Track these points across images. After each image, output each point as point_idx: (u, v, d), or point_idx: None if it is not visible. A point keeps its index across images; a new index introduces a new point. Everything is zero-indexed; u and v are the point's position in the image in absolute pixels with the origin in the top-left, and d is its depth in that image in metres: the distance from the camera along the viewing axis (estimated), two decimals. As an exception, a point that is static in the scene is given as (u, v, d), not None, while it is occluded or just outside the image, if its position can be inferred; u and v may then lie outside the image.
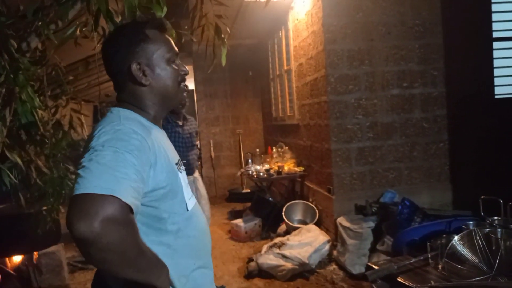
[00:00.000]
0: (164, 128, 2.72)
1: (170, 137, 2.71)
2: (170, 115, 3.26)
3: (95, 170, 0.85)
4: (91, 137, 0.97)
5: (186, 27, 2.17)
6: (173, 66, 1.12)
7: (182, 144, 3.28)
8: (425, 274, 1.67)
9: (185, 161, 2.91)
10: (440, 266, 1.67)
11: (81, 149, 0.99)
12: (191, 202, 1.12)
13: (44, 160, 2.16)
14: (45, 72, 2.22)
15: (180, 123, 3.31)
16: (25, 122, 1.88)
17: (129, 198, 0.85)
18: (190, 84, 8.20)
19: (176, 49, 1.15)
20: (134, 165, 0.89)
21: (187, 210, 1.07)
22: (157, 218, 1.01)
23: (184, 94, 1.21)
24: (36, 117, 1.93)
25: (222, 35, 2.26)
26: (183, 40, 2.10)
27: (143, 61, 1.08)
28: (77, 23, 1.88)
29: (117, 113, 1.04)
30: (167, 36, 1.15)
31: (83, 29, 1.87)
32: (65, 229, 0.85)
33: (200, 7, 2.19)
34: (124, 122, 0.99)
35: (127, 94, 1.11)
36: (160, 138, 1.08)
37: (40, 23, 1.90)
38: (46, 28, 1.92)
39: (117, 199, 0.82)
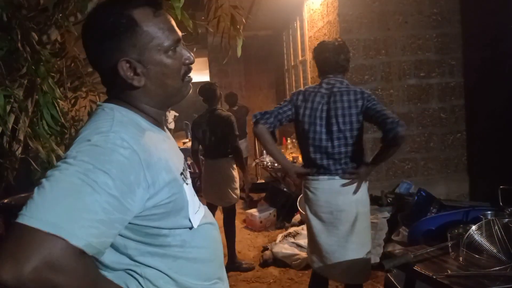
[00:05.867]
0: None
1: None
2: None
3: (50, 194, 0.68)
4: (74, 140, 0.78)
5: (203, 17, 2.18)
6: (175, 56, 0.86)
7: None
8: (442, 263, 1.66)
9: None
10: (457, 256, 1.66)
11: None
12: (198, 215, 0.93)
13: (64, 150, 2.22)
14: (64, 64, 2.27)
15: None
16: (46, 113, 1.93)
17: (83, 238, 0.67)
18: (205, 76, 8.23)
19: (178, 31, 0.88)
20: (108, 189, 0.70)
21: (191, 227, 0.89)
22: (156, 235, 0.84)
23: (190, 84, 0.93)
24: (57, 108, 1.98)
25: (238, 26, 2.27)
26: (199, 31, 2.11)
27: (133, 57, 0.82)
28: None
29: (111, 113, 0.83)
30: (164, 13, 0.86)
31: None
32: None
33: (216, -2, 2.21)
34: (116, 128, 0.78)
35: (119, 91, 0.87)
36: (162, 143, 0.88)
37: (60, 15, 1.94)
38: (66, 20, 1.96)
39: (63, 242, 0.65)
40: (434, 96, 3.72)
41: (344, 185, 2.05)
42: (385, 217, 3.29)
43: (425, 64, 3.68)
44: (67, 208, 0.67)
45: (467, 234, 1.61)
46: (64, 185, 0.69)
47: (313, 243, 2.17)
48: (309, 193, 2.14)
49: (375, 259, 3.21)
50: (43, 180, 0.70)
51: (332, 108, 2.04)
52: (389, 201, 3.41)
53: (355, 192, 2.06)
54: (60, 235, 0.65)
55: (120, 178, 0.72)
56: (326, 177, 2.08)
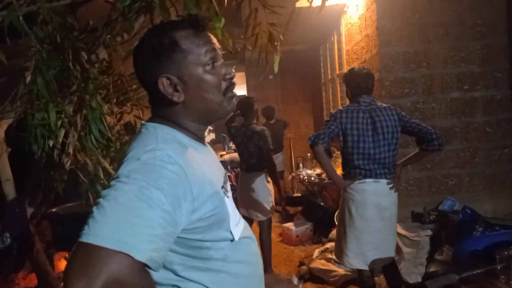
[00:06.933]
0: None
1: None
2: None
3: (111, 212, 0.71)
4: (122, 159, 0.83)
5: (242, 36, 2.23)
6: (214, 71, 0.90)
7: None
8: (489, 286, 1.58)
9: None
10: (508, 280, 1.58)
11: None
12: (239, 228, 0.95)
13: (109, 163, 2.31)
14: (111, 81, 2.38)
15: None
16: (94, 128, 2.03)
17: (146, 253, 0.70)
18: (243, 90, 8.35)
19: (218, 47, 0.93)
20: (162, 205, 0.73)
21: (233, 240, 0.91)
22: (199, 248, 0.86)
23: (234, 101, 0.96)
24: (104, 123, 2.08)
25: (275, 43, 2.30)
26: (239, 49, 2.16)
27: (173, 73, 0.88)
28: (142, 35, 2.01)
29: (154, 131, 0.87)
30: (207, 34, 0.92)
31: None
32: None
33: (254, 16, 2.25)
34: (161, 145, 0.82)
35: (163, 110, 0.93)
36: (203, 158, 0.92)
37: (108, 36, 2.05)
38: (113, 40, 2.07)
39: (129, 258, 0.68)
40: (478, 110, 3.58)
41: (390, 187, 2.44)
42: (427, 235, 3.17)
43: (469, 77, 3.55)
44: (128, 224, 0.70)
45: (518, 256, 1.53)
46: (122, 203, 0.72)
47: (353, 239, 2.45)
48: (355, 194, 2.45)
49: (417, 278, 3.10)
50: (101, 200, 0.73)
51: (377, 121, 2.42)
52: (432, 218, 3.28)
53: (395, 191, 2.47)
54: (125, 251, 0.68)
55: (171, 193, 0.75)
56: (371, 180, 2.42)
